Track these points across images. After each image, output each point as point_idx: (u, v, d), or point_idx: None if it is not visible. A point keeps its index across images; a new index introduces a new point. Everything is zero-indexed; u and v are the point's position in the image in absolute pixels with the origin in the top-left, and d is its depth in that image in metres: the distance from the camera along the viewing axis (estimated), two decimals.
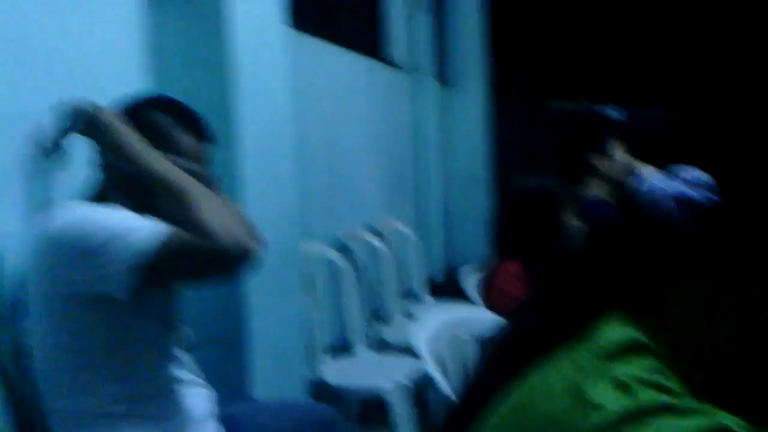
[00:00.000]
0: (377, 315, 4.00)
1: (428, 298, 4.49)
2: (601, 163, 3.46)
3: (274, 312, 2.43)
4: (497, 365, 0.72)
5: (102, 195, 1.55)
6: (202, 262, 1.41)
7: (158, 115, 1.59)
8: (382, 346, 3.47)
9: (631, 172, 3.43)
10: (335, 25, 4.53)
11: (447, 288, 4.87)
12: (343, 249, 3.73)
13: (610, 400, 0.58)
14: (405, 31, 5.43)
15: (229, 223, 1.44)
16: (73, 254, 1.39)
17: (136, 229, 1.39)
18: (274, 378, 2.42)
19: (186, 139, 1.59)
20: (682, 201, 0.61)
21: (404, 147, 5.34)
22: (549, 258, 2.34)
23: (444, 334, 1.77)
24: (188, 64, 2.25)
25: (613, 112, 6.90)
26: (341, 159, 3.99)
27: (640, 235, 0.68)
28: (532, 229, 2.36)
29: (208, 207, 1.45)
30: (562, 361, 0.64)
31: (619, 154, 3.48)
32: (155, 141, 1.54)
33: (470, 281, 2.58)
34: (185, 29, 2.25)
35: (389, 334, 3.55)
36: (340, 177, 3.99)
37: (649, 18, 9.83)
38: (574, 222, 2.41)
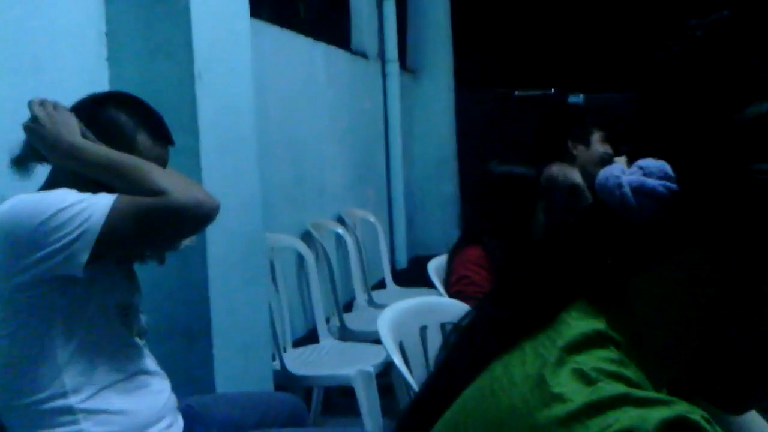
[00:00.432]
0: (343, 304, 4.01)
1: (393, 286, 4.50)
2: (577, 152, 3.49)
3: (238, 302, 2.42)
4: (460, 354, 0.73)
5: (53, 186, 1.53)
6: (160, 219, 1.44)
7: (122, 116, 1.57)
8: (347, 334, 3.47)
9: (605, 161, 3.45)
10: (298, 13, 4.51)
11: (412, 275, 4.89)
12: (309, 239, 3.72)
13: (571, 391, 0.58)
14: (370, 19, 5.41)
15: (183, 182, 1.46)
16: (18, 238, 1.38)
17: (81, 200, 1.39)
18: (237, 369, 2.41)
19: (148, 143, 1.57)
20: (639, 190, 0.62)
21: (370, 135, 5.34)
22: (516, 244, 2.36)
23: (407, 320, 1.78)
24: (148, 53, 2.23)
25: (579, 99, 6.94)
26: (306, 148, 3.98)
27: (599, 225, 0.69)
28: (502, 215, 2.38)
29: (160, 172, 1.48)
30: (525, 352, 0.65)
31: (597, 143, 3.51)
32: (116, 140, 1.53)
33: (434, 268, 2.59)
34: (145, 17, 2.23)
35: (354, 322, 3.55)
36: (305, 166, 3.97)
37: (611, 4, 9.90)
38: (540, 214, 2.43)
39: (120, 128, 1.55)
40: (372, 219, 4.55)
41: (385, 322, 1.72)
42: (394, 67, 5.59)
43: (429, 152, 6.22)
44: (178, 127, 2.15)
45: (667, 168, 0.67)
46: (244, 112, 2.53)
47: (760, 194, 0.62)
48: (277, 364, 2.82)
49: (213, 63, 2.29)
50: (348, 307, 3.95)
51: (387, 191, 5.62)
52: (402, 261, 5.74)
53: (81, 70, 2.13)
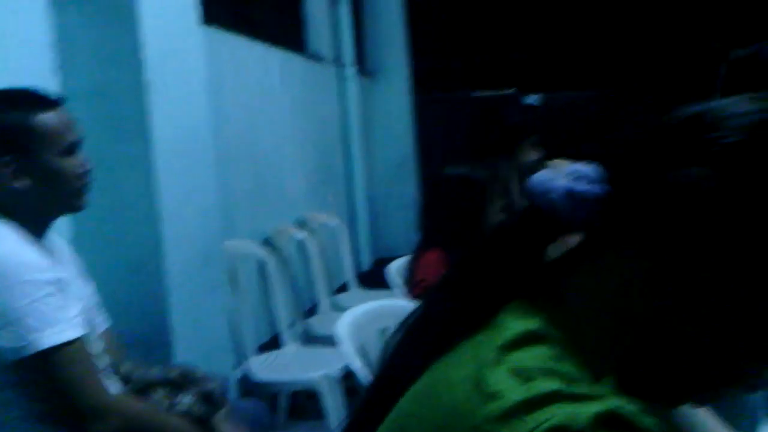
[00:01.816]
0: (306, 308, 4.00)
1: (358, 289, 4.50)
2: (522, 155, 3.50)
3: (198, 311, 2.41)
4: (402, 356, 0.73)
5: None
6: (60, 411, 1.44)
7: (9, 115, 1.49)
8: (311, 339, 3.47)
9: (534, 168, 3.46)
10: (254, 19, 4.49)
11: (377, 277, 4.89)
12: (271, 244, 3.71)
13: (506, 388, 0.59)
14: (325, 22, 5.42)
15: None
16: None
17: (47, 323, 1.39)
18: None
19: (45, 119, 1.50)
20: (569, 196, 0.64)
21: (330, 139, 5.34)
22: (469, 246, 2.36)
23: (367, 324, 1.79)
24: (99, 61, 2.21)
25: (535, 99, 7.00)
26: (265, 154, 3.97)
27: (534, 227, 0.70)
28: (456, 217, 2.39)
29: None
30: (464, 352, 0.66)
31: (537, 149, 3.52)
32: (15, 145, 1.47)
33: (395, 270, 2.60)
34: (95, 24, 2.21)
35: (318, 326, 3.55)
36: (265, 172, 3.96)
37: (567, 7, 10.01)
38: (498, 210, 2.44)
39: (19, 127, 1.49)
40: (334, 222, 4.55)
41: (344, 327, 1.72)
42: (351, 71, 5.61)
43: (389, 154, 6.24)
44: (129, 136, 2.15)
45: (598, 172, 0.68)
46: (199, 120, 2.52)
47: (683, 198, 0.63)
48: (241, 371, 2.82)
49: (165, 71, 2.28)
50: (313, 311, 3.95)
51: (348, 194, 5.63)
52: (366, 263, 5.75)
53: (32, 79, 2.10)
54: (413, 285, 2.36)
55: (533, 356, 0.63)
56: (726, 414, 1.07)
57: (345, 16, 5.59)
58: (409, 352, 0.73)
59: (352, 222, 5.60)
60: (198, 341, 2.39)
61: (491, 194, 2.46)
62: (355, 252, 5.46)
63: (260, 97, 3.98)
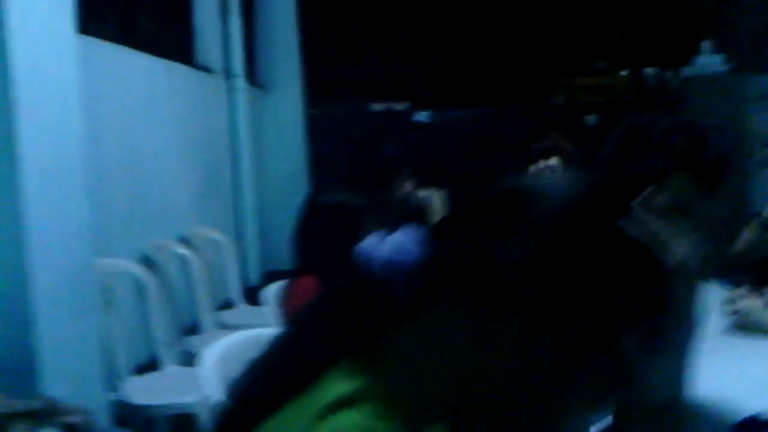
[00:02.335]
0: (189, 327, 3.91)
1: (245, 305, 4.44)
2: (397, 188, 3.49)
3: (68, 334, 2.32)
4: (231, 413, 0.73)
5: None
6: None
7: None
8: (192, 359, 3.39)
9: (407, 202, 3.45)
10: (142, 30, 4.38)
11: (264, 293, 4.83)
12: (150, 261, 3.61)
13: None
14: (214, 32, 5.34)
15: None
16: None
17: None
18: (70, 403, 2.31)
19: None
20: (388, 265, 0.66)
21: (219, 152, 5.25)
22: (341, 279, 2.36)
23: (235, 355, 1.77)
24: None
25: (424, 116, 7.05)
26: (145, 168, 3.86)
27: (357, 291, 0.72)
28: (329, 245, 2.38)
29: None
30: (288, 413, 0.67)
31: (412, 180, 3.51)
32: None
33: (272, 295, 2.57)
34: None
35: (201, 345, 3.47)
36: (146, 187, 3.86)
37: (462, 20, 10.22)
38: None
39: None
40: (220, 237, 4.47)
41: (209, 359, 1.70)
42: (241, 82, 5.54)
43: (281, 167, 6.19)
44: None
45: (418, 237, 0.71)
46: (71, 136, 2.43)
47: (498, 267, 0.66)
48: (115, 396, 2.72)
49: (34, 86, 2.19)
50: (195, 330, 3.87)
51: (237, 208, 5.55)
52: (255, 278, 5.68)
53: None
54: (286, 311, 2.34)
55: (350, 419, 0.64)
56: None
57: (235, 26, 5.52)
58: (237, 411, 0.74)
59: (240, 236, 5.53)
60: (67, 367, 2.31)
61: (366, 223, 2.46)
62: (243, 267, 5.39)
63: (143, 110, 3.88)
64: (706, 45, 5.84)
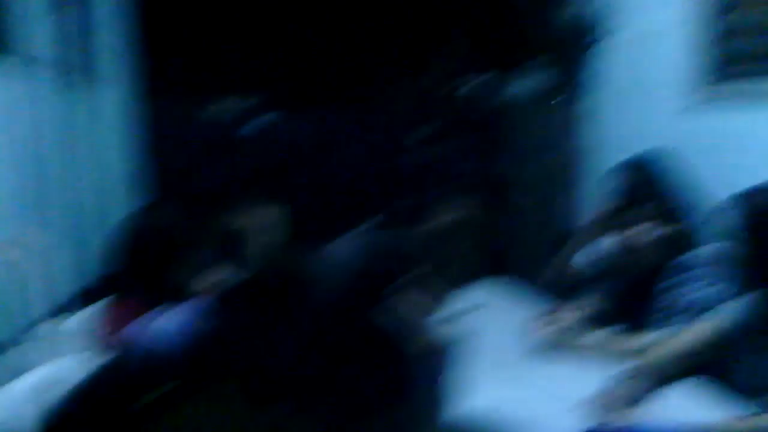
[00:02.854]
0: (14, 338, 3.68)
1: (82, 310, 4.21)
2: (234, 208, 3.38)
3: None
4: None
5: None
6: None
7: None
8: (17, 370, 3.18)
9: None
10: None
11: (103, 294, 4.60)
12: None
13: None
14: (43, 24, 5.00)
15: None
16: None
17: None
18: None
19: None
20: (177, 334, 0.63)
21: (46, 152, 4.93)
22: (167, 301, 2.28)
23: (42, 391, 1.66)
24: None
25: (269, 118, 6.93)
26: None
27: (125, 377, 0.70)
28: (145, 267, 2.30)
29: None
30: None
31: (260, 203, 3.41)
32: None
33: (81, 318, 2.45)
34: None
35: (24, 355, 3.27)
36: None
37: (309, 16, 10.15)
38: (193, 263, 2.38)
39: None
40: (49, 240, 4.23)
41: (18, 393, 1.58)
42: (71, 78, 5.22)
43: (115, 167, 5.91)
44: None
45: (205, 312, 0.69)
46: None
47: (261, 351, 0.65)
48: None
49: None
50: (17, 339, 3.63)
51: (68, 210, 5.26)
52: (67, 291, 5.34)
53: None
54: (103, 336, 2.24)
55: None
56: None
57: (64, 17, 5.20)
58: None
59: (76, 239, 5.24)
60: None
61: (184, 244, 2.40)
62: (82, 270, 5.12)
63: None
64: (529, 63, 6.18)
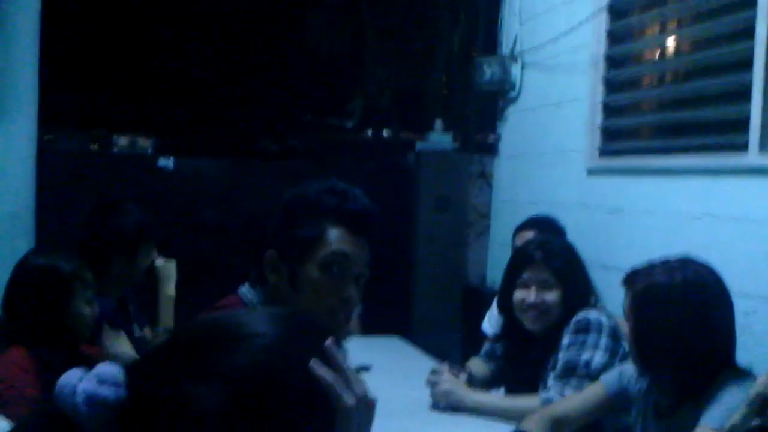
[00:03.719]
0: None
1: None
2: (140, 256, 3.25)
3: None
4: None
5: None
6: None
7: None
8: None
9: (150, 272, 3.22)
10: None
11: None
12: None
13: None
14: None
15: None
16: None
17: None
18: None
19: None
20: (91, 399, 0.62)
21: None
22: (57, 347, 2.18)
23: None
24: None
25: (170, 162, 6.84)
26: None
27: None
28: (37, 312, 2.20)
29: None
30: None
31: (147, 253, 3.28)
32: None
33: None
34: None
35: None
36: None
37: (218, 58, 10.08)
38: (85, 309, 2.29)
39: None
40: None
41: None
42: None
43: (4, 203, 5.63)
44: None
45: (119, 376, 0.67)
46: None
47: (188, 415, 0.64)
48: None
49: None
50: None
51: None
52: None
53: None
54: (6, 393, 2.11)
55: None
56: None
57: None
58: None
59: None
60: None
61: (79, 288, 2.31)
62: None
63: None
64: (438, 123, 6.56)
